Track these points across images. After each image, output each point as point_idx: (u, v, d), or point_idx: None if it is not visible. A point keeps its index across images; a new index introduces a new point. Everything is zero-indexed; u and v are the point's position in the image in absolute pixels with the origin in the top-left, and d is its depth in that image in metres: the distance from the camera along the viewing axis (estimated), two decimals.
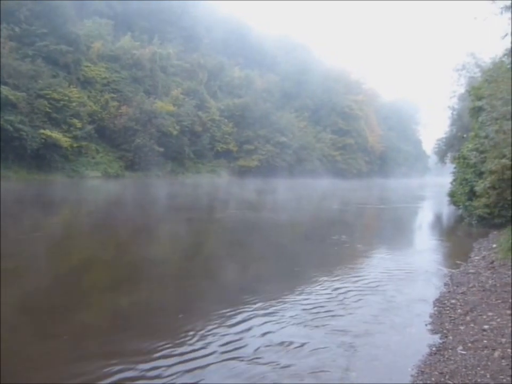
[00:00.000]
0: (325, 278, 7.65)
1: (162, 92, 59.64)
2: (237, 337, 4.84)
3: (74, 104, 46.27)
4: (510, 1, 7.38)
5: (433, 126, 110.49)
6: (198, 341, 4.71)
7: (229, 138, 65.70)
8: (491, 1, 6.75)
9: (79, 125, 46.28)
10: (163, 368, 4.09)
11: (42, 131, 41.35)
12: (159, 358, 4.31)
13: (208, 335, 4.89)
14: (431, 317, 5.60)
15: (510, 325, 4.90)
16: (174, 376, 3.94)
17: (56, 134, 42.50)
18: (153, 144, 51.95)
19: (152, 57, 59.81)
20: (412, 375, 3.93)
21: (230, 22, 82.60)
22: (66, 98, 45.33)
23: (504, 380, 3.62)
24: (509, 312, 5.35)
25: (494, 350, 4.26)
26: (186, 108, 58.74)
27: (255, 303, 6.04)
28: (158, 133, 52.69)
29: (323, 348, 4.62)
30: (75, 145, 45.62)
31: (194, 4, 77.61)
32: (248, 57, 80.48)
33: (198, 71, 68.36)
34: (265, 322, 5.31)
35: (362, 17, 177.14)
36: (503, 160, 10.42)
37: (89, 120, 48.79)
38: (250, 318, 5.45)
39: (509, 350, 4.18)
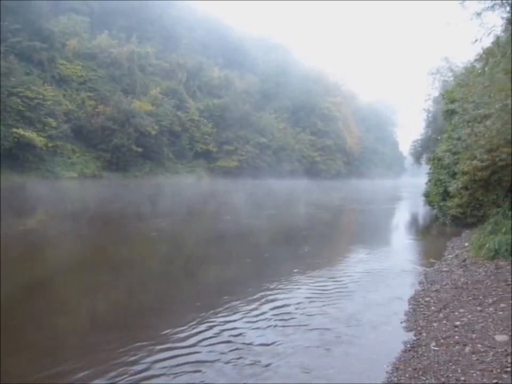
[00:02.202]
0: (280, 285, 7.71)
1: (140, 92, 58.84)
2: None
3: (49, 102, 45.05)
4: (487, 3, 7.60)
5: (409, 127, 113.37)
6: None
7: (209, 139, 65.42)
8: (462, 8, 7.01)
9: (54, 124, 45.08)
10: (134, 372, 4.06)
11: (15, 130, 40.05)
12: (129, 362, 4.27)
13: None
14: (406, 314, 5.74)
15: (480, 321, 5.07)
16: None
17: (29, 133, 41.28)
18: (131, 144, 51.15)
19: (130, 56, 58.92)
20: (387, 372, 4.03)
21: (210, 22, 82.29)
22: (41, 96, 44.11)
23: (474, 374, 3.75)
24: (479, 308, 5.54)
25: (464, 345, 4.40)
26: (165, 108, 58.15)
27: None
28: (136, 132, 51.92)
29: (301, 347, 4.68)
30: (50, 145, 44.42)
31: (174, 3, 77.00)
32: (228, 57, 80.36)
33: (177, 71, 67.79)
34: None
35: (341, 20, 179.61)
36: (475, 162, 10.77)
37: (65, 119, 47.58)
38: None
39: (479, 345, 4.34)
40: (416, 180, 59.65)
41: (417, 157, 38.53)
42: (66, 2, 58.72)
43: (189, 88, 67.74)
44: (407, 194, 40.59)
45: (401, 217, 22.22)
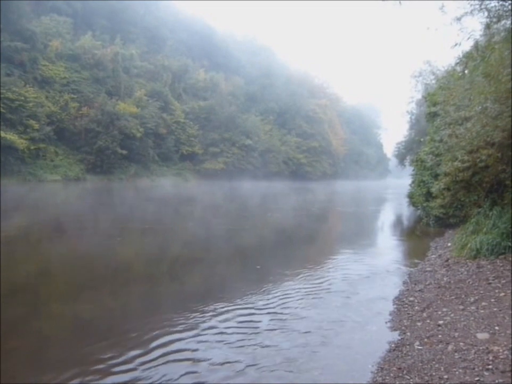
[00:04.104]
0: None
1: (125, 93, 58.31)
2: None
3: (31, 104, 44.32)
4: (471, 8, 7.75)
5: (393, 129, 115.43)
6: None
7: (194, 141, 65.20)
8: (442, 13, 7.16)
9: (36, 126, 44.35)
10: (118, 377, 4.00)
11: None
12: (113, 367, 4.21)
13: None
14: (390, 314, 5.80)
15: (462, 319, 5.16)
16: None
17: (11, 136, 40.54)
18: (115, 146, 50.63)
19: (114, 58, 58.37)
20: (372, 372, 4.06)
21: (195, 23, 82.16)
22: (22, 98, 43.36)
23: (457, 372, 3.81)
24: (461, 307, 5.64)
25: (447, 344, 4.47)
26: (150, 110, 57.76)
27: None
28: (121, 135, 51.41)
29: (286, 348, 4.68)
30: (32, 147, 43.70)
31: (158, 3, 76.64)
32: (213, 59, 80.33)
33: (162, 73, 67.43)
34: None
35: (324, 23, 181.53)
36: (456, 163, 10.94)
37: (47, 122, 46.85)
38: None
39: (461, 344, 4.41)
40: (401, 181, 60.43)
41: (401, 158, 39.13)
42: (48, 3, 57.90)
43: (174, 90, 67.44)
44: (391, 196, 41.07)
45: (386, 218, 22.45)
